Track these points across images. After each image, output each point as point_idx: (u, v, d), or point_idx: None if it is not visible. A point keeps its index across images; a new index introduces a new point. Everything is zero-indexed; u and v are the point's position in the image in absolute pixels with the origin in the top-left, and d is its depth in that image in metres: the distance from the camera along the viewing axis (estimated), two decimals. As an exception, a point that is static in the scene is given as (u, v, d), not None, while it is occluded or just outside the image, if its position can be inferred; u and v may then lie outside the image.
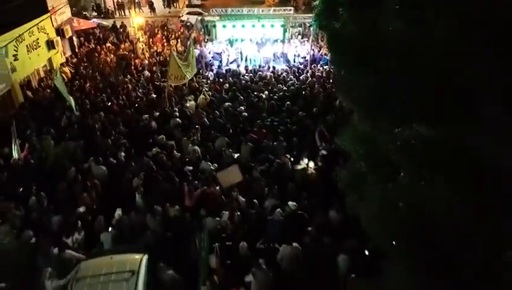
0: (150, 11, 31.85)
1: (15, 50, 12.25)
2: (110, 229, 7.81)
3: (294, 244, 7.23)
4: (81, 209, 8.08)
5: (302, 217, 8.08)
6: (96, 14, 30.84)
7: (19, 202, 8.21)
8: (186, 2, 35.94)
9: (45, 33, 14.50)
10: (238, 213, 8.07)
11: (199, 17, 19.40)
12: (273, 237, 7.63)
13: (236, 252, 7.22)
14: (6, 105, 11.80)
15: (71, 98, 11.36)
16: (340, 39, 5.02)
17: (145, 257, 6.69)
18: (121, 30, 22.07)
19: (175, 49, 19.07)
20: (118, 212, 8.07)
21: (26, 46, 13.10)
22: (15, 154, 9.38)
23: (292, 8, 19.15)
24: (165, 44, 19.85)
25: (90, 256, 7.05)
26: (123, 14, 31.75)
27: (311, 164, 9.73)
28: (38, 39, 13.96)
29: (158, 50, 18.85)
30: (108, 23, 24.34)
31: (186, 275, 6.88)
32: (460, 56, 2.97)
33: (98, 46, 18.52)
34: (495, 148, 2.87)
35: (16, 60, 12.29)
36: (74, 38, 17.99)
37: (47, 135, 10.21)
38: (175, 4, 35.16)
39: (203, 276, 6.50)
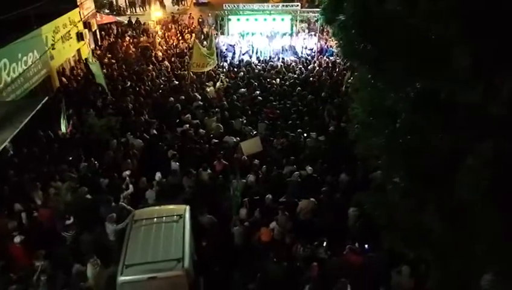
0: (160, 8, 33.09)
1: (53, 40, 13.59)
2: (153, 188, 9.13)
3: (311, 199, 8.56)
4: (127, 172, 9.40)
5: (316, 179, 9.44)
6: (108, 11, 32.10)
7: (72, 167, 9.58)
8: (194, 0, 37.30)
9: (75, 26, 15.82)
10: (261, 176, 9.45)
11: (215, 12, 20.70)
12: (292, 195, 8.96)
13: (262, 206, 8.54)
14: (46, 89, 13.13)
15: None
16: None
17: (187, 206, 7.98)
18: (137, 25, 23.39)
19: (190, 42, 20.46)
20: (158, 174, 9.40)
21: (61, 37, 14.43)
22: (63, 129, 10.71)
23: (299, 4, 20.41)
24: (180, 38, 21.16)
25: (138, 208, 8.36)
26: (134, 11, 33.13)
27: (322, 138, 11.12)
28: (69, 31, 15.29)
29: (174, 43, 20.15)
30: (122, 19, 25.63)
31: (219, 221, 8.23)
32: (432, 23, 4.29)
33: (119, 40, 19.89)
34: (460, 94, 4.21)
35: (53, 48, 13.61)
36: (97, 32, 19.32)
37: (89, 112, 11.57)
38: (183, 2, 36.49)
39: (235, 218, 7.88)
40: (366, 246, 7.55)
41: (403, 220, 4.94)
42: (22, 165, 9.32)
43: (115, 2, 33.23)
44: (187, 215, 7.64)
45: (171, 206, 8.01)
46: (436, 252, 4.56)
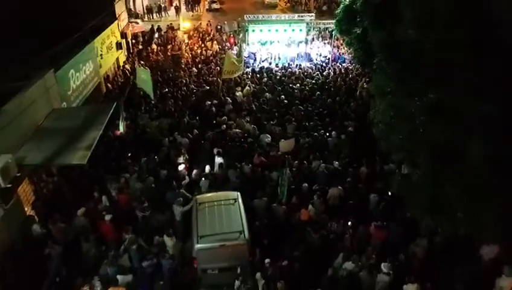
0: (176, 15, 34.90)
1: (101, 50, 15.36)
2: (203, 179, 10.86)
3: (339, 187, 10.32)
4: (182, 166, 11.17)
5: (340, 172, 11.21)
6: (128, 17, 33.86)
7: (134, 161, 11.36)
8: (207, 7, 39.17)
9: (115, 36, 17.61)
10: (294, 169, 11.22)
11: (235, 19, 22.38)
12: (322, 184, 10.71)
13: (298, 193, 10.30)
14: (97, 94, 14.90)
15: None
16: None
17: (238, 193, 9.72)
18: (160, 33, 25.15)
19: (211, 49, 22.25)
20: (207, 167, 11.17)
21: (106, 47, 16.21)
22: (121, 129, 12.48)
23: (313, 14, 22.22)
24: (202, 45, 22.92)
25: (194, 195, 10.08)
26: (151, 17, 34.93)
27: (343, 136, 12.89)
28: (111, 41, 17.07)
29: (198, 51, 21.88)
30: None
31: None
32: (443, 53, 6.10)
33: (149, 47, 21.71)
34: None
35: (101, 58, 15.39)
36: (129, 40, 21.10)
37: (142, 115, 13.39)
38: (196, 8, 38.33)
39: (280, 198, 9.67)
40: (385, 223, 9.29)
41: (423, 194, 6.69)
42: (94, 160, 11.07)
43: (133, 9, 34.99)
44: (240, 200, 9.41)
45: (225, 193, 9.80)
46: (450, 219, 6.31)
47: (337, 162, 11.23)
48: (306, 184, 10.28)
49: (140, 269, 8.02)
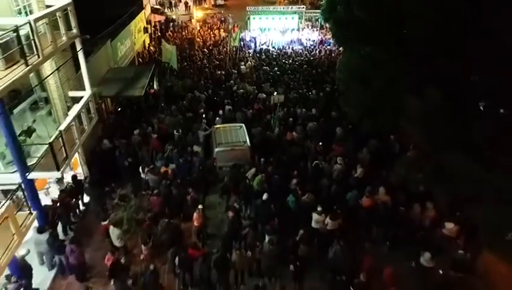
0: (185, 9, 39.17)
1: (134, 32, 19.61)
2: (217, 118, 15.10)
3: (314, 123, 14.57)
4: (202, 110, 15.42)
5: (316, 116, 15.48)
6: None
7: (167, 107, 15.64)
8: (212, 2, 43.45)
9: (143, 22, 21.86)
10: (284, 112, 15.49)
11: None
12: (302, 121, 14.95)
13: (286, 125, 14.55)
14: (133, 64, 19.22)
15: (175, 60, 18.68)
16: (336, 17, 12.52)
17: (243, 124, 13.94)
18: (175, 23, 29.44)
19: (218, 36, 26.53)
20: (220, 111, 15.41)
21: (137, 29, 20.46)
22: (155, 86, 16.74)
23: (304, 6, 26.48)
24: (211, 33, 27.20)
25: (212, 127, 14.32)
26: (164, 11, 39.16)
27: (321, 94, 17.15)
28: (140, 26, 21.32)
29: (208, 37, 26.16)
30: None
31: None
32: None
33: (166, 33, 26.03)
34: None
35: (134, 38, 19.64)
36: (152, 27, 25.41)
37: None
38: (202, 3, 42.63)
39: (272, 128, 13.93)
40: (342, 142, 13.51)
41: (357, 107, 11.00)
42: (138, 105, 15.36)
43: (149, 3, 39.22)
44: (244, 127, 13.65)
45: (234, 124, 14.08)
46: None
47: (314, 109, 15.51)
48: (291, 119, 14.55)
49: (180, 163, 12.23)
